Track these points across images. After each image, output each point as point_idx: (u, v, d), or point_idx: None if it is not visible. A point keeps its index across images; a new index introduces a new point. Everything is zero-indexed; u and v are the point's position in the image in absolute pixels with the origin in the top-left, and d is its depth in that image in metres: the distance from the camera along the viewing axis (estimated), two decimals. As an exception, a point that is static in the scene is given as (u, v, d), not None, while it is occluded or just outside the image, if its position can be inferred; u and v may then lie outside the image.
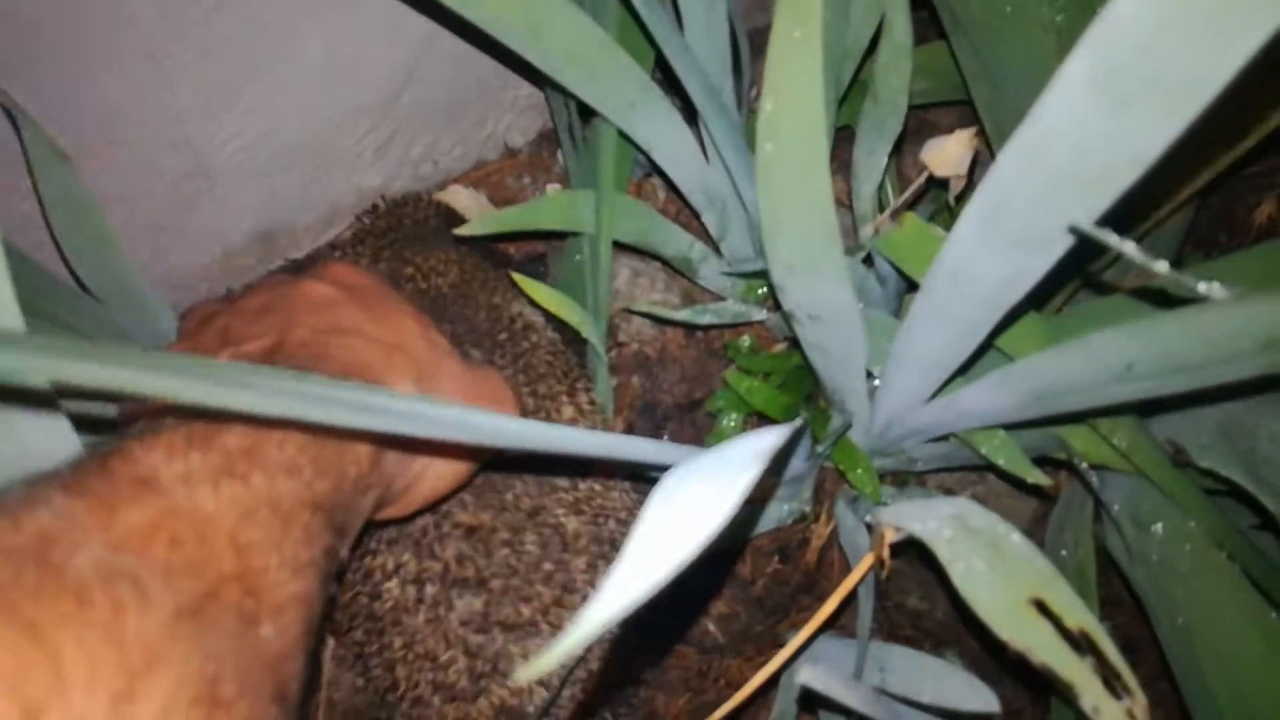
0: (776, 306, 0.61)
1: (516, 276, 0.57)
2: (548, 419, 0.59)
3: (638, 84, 0.51)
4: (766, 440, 0.30)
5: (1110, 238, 0.27)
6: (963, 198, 0.50)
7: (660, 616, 0.59)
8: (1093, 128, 0.25)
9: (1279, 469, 0.38)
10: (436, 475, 0.46)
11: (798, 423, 0.36)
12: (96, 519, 0.30)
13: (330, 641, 0.66)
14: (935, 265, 0.38)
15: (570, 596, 0.55)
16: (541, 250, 0.75)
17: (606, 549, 0.58)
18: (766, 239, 0.45)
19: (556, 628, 0.54)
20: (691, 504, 0.26)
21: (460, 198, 0.76)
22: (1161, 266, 0.29)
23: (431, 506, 0.49)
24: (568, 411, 0.61)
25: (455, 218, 0.73)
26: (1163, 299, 0.46)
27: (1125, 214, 0.53)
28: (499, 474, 0.56)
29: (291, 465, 0.36)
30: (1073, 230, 0.28)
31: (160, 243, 0.70)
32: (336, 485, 0.38)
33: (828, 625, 0.68)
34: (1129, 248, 0.27)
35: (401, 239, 0.67)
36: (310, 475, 0.37)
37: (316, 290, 0.47)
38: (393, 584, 0.54)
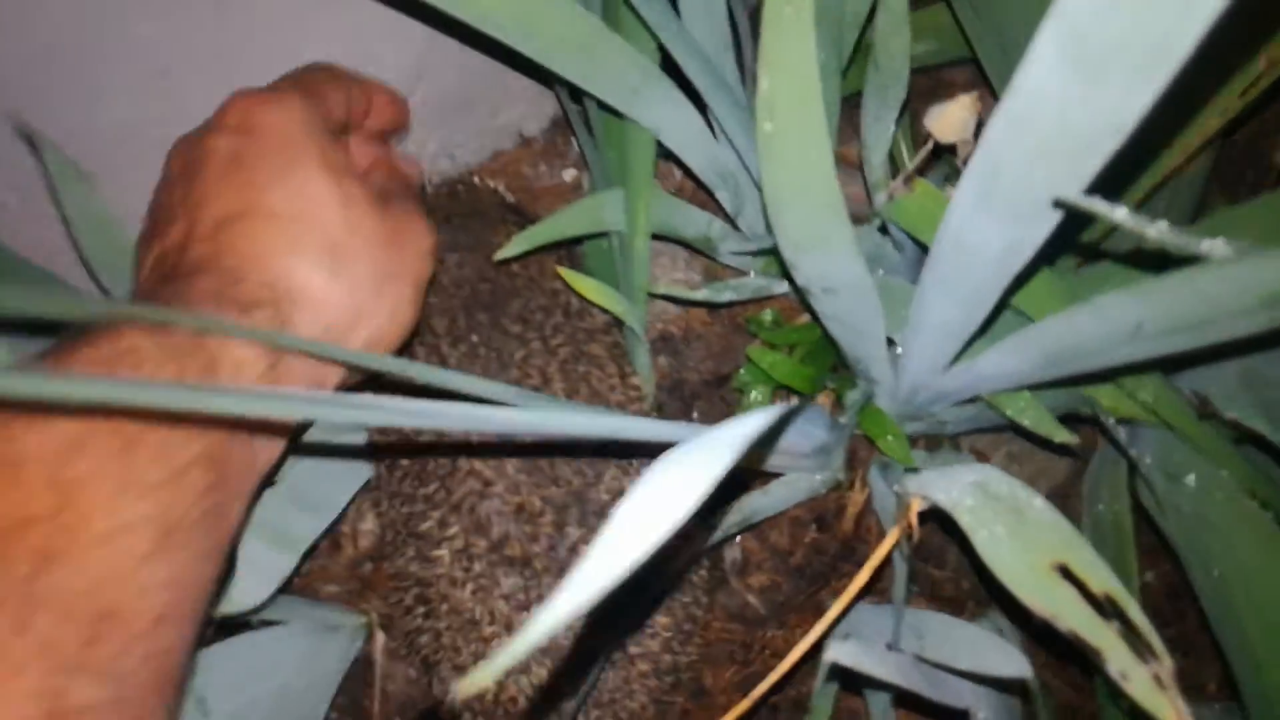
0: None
1: (562, 271, 0.59)
2: (601, 403, 0.61)
3: (638, 69, 0.51)
4: (746, 427, 0.30)
5: (1099, 206, 0.27)
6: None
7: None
8: (1069, 98, 0.24)
9: (1301, 418, 0.38)
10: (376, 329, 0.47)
11: (786, 406, 0.37)
12: None
13: (380, 636, 0.68)
14: (939, 234, 0.38)
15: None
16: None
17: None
18: (773, 218, 0.45)
19: (600, 609, 0.55)
20: (667, 492, 0.26)
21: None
22: (1158, 229, 0.29)
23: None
24: (616, 397, 0.62)
25: (503, 198, 0.73)
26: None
27: (1136, 167, 0.52)
28: (560, 456, 0.58)
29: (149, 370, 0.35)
30: (1058, 202, 0.28)
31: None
32: (203, 376, 0.37)
33: (867, 592, 0.68)
34: (1120, 214, 0.27)
35: (458, 218, 0.68)
36: (171, 372, 0.36)
37: (219, 145, 0.46)
38: (443, 552, 0.56)
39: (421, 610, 0.57)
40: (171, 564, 0.35)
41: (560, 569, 0.56)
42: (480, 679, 0.20)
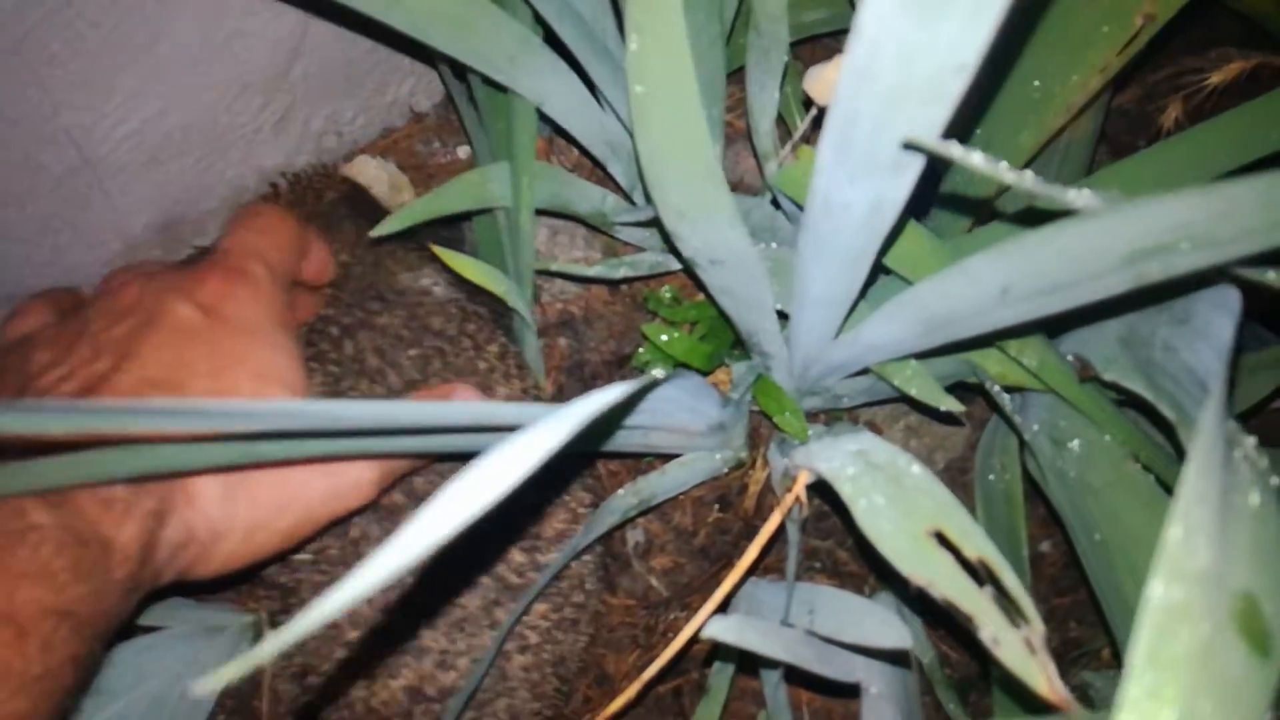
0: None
1: (437, 249, 0.56)
2: (467, 377, 0.58)
3: (512, 36, 0.49)
4: (586, 407, 0.28)
5: (953, 150, 0.26)
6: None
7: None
8: (908, 39, 0.23)
9: (1174, 378, 0.37)
10: (229, 550, 0.44)
11: (638, 383, 0.35)
12: None
13: (267, 630, 0.65)
14: (809, 197, 0.37)
15: (481, 575, 0.54)
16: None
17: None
18: (652, 185, 0.44)
19: (464, 609, 0.53)
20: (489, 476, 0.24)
21: (368, 168, 0.74)
22: (1021, 177, 0.28)
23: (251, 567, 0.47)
24: (482, 365, 0.59)
25: (359, 191, 0.71)
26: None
27: (1016, 124, 0.52)
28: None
29: (44, 570, 0.34)
30: (910, 145, 0.27)
31: (57, 242, 0.67)
32: (99, 589, 0.36)
33: (768, 570, 0.68)
34: (975, 159, 0.26)
35: (305, 220, 0.65)
36: (66, 579, 0.35)
37: (181, 315, 0.45)
38: (305, 556, 0.53)
39: (283, 619, 0.54)
40: None
41: (424, 570, 0.54)
42: (223, 677, 0.18)
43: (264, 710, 0.64)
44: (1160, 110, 0.63)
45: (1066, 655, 0.62)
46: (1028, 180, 0.28)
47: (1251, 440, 0.30)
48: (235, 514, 0.42)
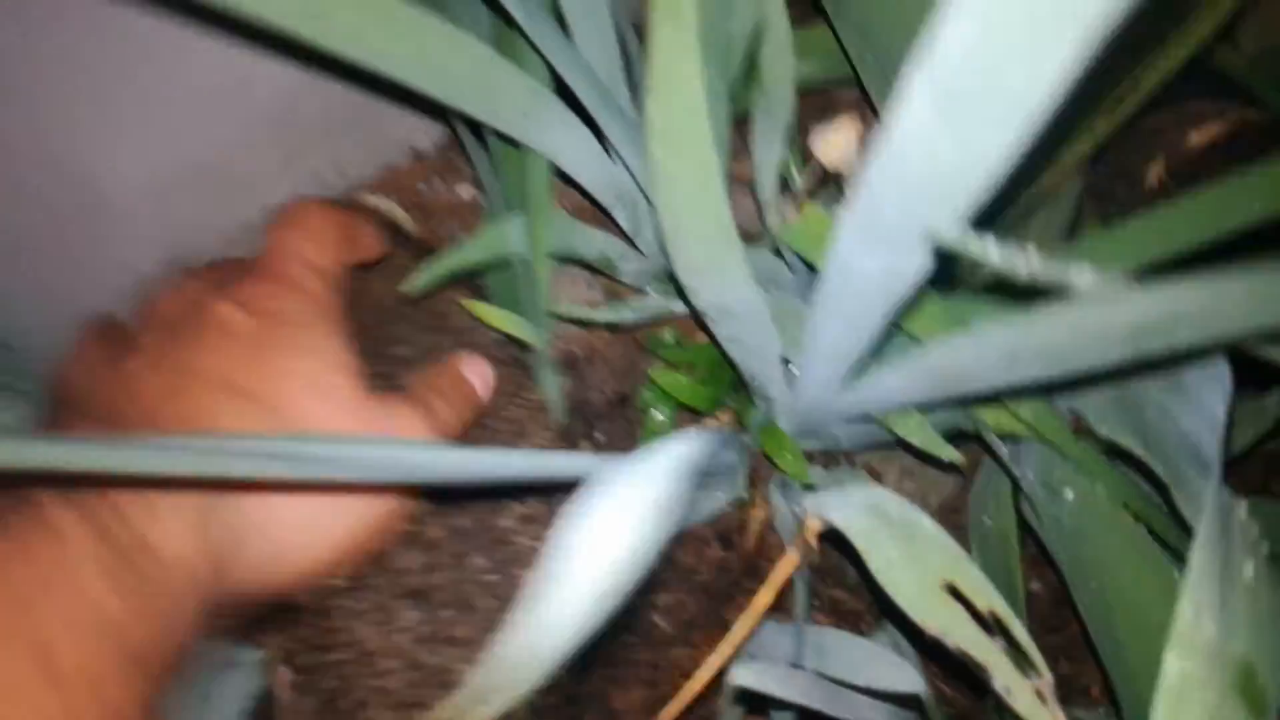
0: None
1: (466, 303, 0.58)
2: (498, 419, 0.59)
3: (527, 92, 0.51)
4: (663, 461, 0.30)
5: (971, 246, 0.27)
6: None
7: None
8: (938, 142, 0.25)
9: (1165, 438, 0.39)
10: (288, 546, 0.43)
11: (705, 436, 0.37)
12: None
13: (284, 671, 0.66)
14: (827, 260, 0.38)
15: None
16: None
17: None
18: (670, 245, 0.45)
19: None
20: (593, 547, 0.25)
21: (373, 203, 0.75)
22: (1028, 263, 0.30)
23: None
24: (516, 413, 0.61)
25: (388, 219, 0.72)
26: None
27: (1014, 188, 0.54)
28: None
29: (93, 605, 0.31)
30: (932, 239, 0.29)
31: (71, 281, 0.68)
32: (157, 612, 0.34)
33: (771, 610, 0.69)
34: (992, 254, 0.28)
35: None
36: (114, 608, 0.32)
37: (226, 315, 0.45)
38: (339, 582, 0.54)
39: (314, 643, 0.55)
40: None
41: (463, 602, 0.55)
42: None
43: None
44: (1145, 159, 0.66)
45: (1058, 692, 0.64)
46: (1038, 266, 0.30)
47: (1243, 507, 0.32)
48: (290, 507, 0.41)
